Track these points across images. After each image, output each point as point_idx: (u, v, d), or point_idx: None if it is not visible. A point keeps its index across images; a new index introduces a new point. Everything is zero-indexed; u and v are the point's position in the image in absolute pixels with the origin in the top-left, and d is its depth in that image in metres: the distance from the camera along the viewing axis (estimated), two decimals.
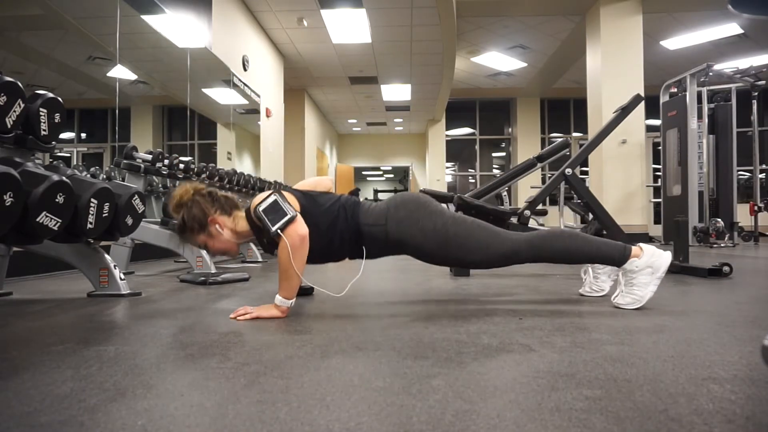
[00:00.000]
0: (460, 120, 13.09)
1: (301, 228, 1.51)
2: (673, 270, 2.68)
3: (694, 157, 5.99)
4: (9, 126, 1.66)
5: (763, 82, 6.21)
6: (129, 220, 1.99)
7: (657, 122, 7.18)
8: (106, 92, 4.13)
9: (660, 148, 6.70)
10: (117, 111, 4.06)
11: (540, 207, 4.17)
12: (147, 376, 0.93)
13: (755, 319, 1.45)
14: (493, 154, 13.68)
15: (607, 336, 1.23)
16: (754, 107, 6.49)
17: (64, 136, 4.20)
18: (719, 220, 5.77)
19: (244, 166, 6.96)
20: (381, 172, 19.68)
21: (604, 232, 3.24)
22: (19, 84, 1.67)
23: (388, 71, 9.40)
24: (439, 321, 1.46)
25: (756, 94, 6.33)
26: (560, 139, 4.32)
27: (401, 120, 13.52)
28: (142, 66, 4.90)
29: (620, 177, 7.17)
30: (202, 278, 2.44)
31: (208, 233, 1.65)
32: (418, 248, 1.65)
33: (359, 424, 0.70)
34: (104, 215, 1.80)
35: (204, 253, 2.73)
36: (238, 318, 1.49)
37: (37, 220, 1.48)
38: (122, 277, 2.06)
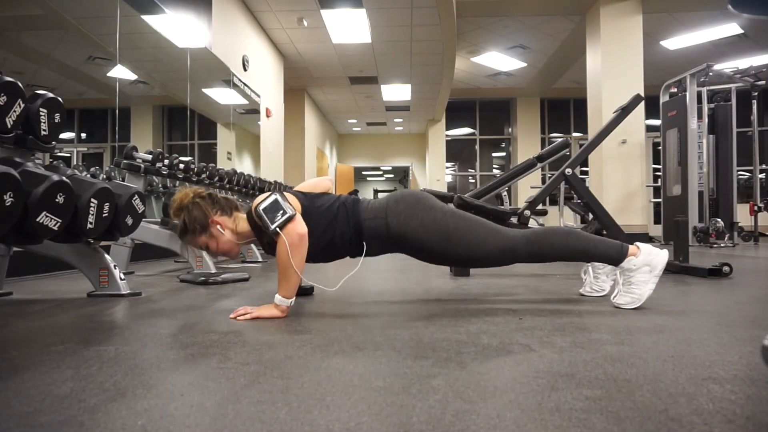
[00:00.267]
0: (460, 120, 13.09)
1: (300, 226, 1.52)
2: (673, 270, 2.68)
3: (694, 157, 5.98)
4: (9, 126, 1.66)
5: (763, 82, 6.21)
6: (129, 220, 1.99)
7: (657, 122, 7.18)
8: (106, 92, 4.13)
9: (660, 148, 6.70)
10: (117, 111, 4.06)
11: (540, 207, 4.17)
12: (147, 376, 0.93)
13: (755, 319, 1.45)
14: (493, 154, 13.68)
15: (607, 336, 1.23)
16: (754, 107, 6.49)
17: (64, 136, 4.20)
18: (719, 220, 5.77)
19: (244, 166, 6.96)
20: (381, 172, 19.68)
21: (604, 232, 3.24)
22: (19, 84, 1.67)
23: (388, 71, 9.40)
24: (439, 321, 1.46)
25: (756, 94, 6.33)
26: (560, 139, 4.32)
27: (401, 120, 13.52)
28: (142, 66, 4.90)
29: (620, 177, 7.17)
30: (202, 278, 2.44)
31: (209, 234, 1.66)
32: (418, 242, 1.65)
33: (359, 424, 0.70)
34: (104, 215, 1.80)
35: (204, 253, 2.73)
36: (238, 318, 1.49)
37: (37, 220, 1.48)
38: (122, 277, 2.06)
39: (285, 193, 1.63)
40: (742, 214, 6.57)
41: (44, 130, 1.83)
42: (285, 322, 1.46)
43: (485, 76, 10.69)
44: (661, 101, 6.59)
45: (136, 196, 2.03)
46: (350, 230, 1.66)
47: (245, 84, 6.71)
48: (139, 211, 2.05)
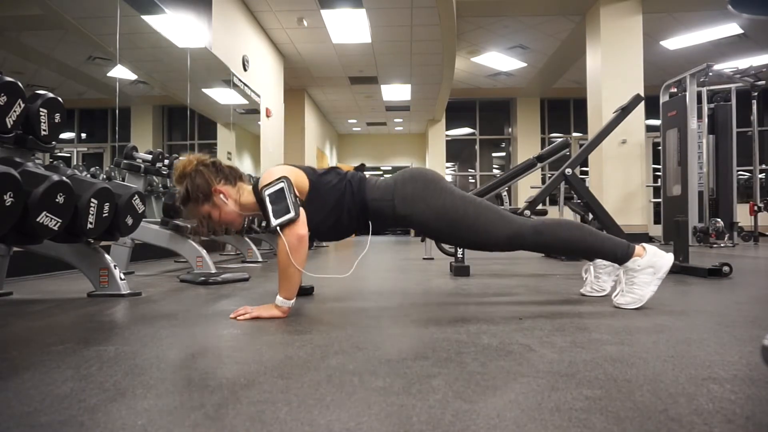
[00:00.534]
0: (460, 120, 13.09)
1: (300, 229, 1.50)
2: (673, 270, 2.67)
3: (694, 157, 5.99)
4: (9, 126, 1.66)
5: (763, 82, 6.21)
6: (129, 220, 1.99)
7: (657, 122, 7.18)
8: (106, 92, 4.13)
9: (660, 148, 6.70)
10: (117, 111, 4.06)
11: (540, 207, 4.17)
12: (147, 376, 0.93)
13: (755, 319, 1.45)
14: (493, 154, 13.68)
15: (607, 336, 1.23)
16: (754, 107, 6.49)
17: (64, 136, 4.20)
18: (719, 220, 5.77)
19: (244, 166, 6.96)
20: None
21: (604, 232, 3.23)
22: (19, 84, 1.67)
23: (388, 71, 9.40)
24: (439, 321, 1.46)
25: (756, 94, 6.33)
26: (560, 139, 4.32)
27: (401, 120, 13.52)
28: (142, 66, 4.90)
29: (620, 177, 7.17)
30: (202, 278, 2.44)
31: (212, 204, 1.63)
32: (424, 225, 1.64)
33: (359, 424, 0.70)
34: (104, 215, 1.80)
35: (204, 252, 2.73)
36: (238, 318, 1.49)
37: (37, 220, 1.48)
38: (122, 277, 2.06)
39: (293, 170, 1.60)
40: (742, 214, 6.57)
41: (44, 130, 1.83)
42: (285, 322, 1.46)
43: (485, 76, 10.70)
44: (661, 101, 6.59)
45: (136, 196, 2.03)
46: (356, 208, 1.63)
47: (245, 84, 6.71)
48: (139, 211, 2.05)
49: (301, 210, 1.52)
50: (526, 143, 12.07)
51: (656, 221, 7.80)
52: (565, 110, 12.16)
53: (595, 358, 1.02)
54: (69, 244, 1.96)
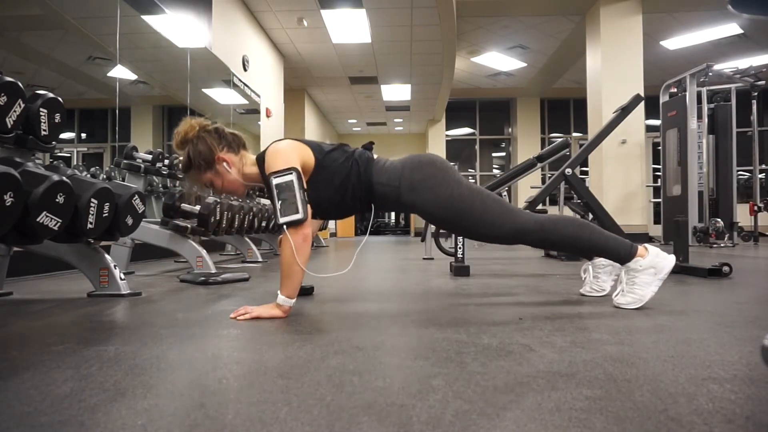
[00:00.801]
0: (460, 120, 13.09)
1: (306, 228, 1.50)
2: (673, 270, 2.67)
3: (694, 157, 5.99)
4: (9, 126, 1.66)
5: (763, 82, 6.22)
6: (129, 220, 1.99)
7: (657, 122, 7.19)
8: (106, 92, 4.13)
9: (660, 148, 6.70)
10: (117, 111, 4.06)
11: (540, 207, 4.17)
12: (147, 376, 0.93)
13: (755, 319, 1.45)
14: (493, 154, 13.68)
15: (607, 336, 1.23)
16: (754, 107, 6.49)
17: (64, 136, 4.20)
18: (719, 220, 5.77)
19: None
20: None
21: None
22: (20, 84, 1.67)
23: (388, 71, 9.40)
24: (439, 321, 1.46)
25: (756, 94, 6.33)
26: (560, 139, 4.32)
27: (401, 120, 13.52)
28: (142, 66, 4.90)
29: (620, 177, 7.17)
30: (202, 278, 2.44)
31: (215, 171, 1.61)
32: (428, 214, 1.63)
33: (359, 424, 0.70)
34: (104, 215, 1.80)
35: (204, 252, 2.73)
36: (238, 318, 1.48)
37: (38, 220, 1.48)
38: (122, 277, 2.06)
39: (301, 147, 1.57)
40: (742, 214, 6.57)
41: (44, 130, 1.84)
42: (285, 322, 1.46)
43: (485, 76, 10.70)
44: (661, 101, 6.60)
45: (136, 196, 2.03)
46: (361, 189, 1.61)
47: (245, 84, 6.71)
48: (139, 211, 2.05)
49: (308, 207, 1.50)
50: (526, 143, 12.07)
51: (656, 221, 7.80)
52: (565, 110, 12.16)
53: (595, 358, 1.02)
54: (69, 244, 1.96)
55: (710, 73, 5.93)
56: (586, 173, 8.05)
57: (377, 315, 1.59)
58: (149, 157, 3.08)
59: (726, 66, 6.38)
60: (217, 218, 2.94)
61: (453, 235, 3.04)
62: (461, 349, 1.11)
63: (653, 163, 10.06)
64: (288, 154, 1.53)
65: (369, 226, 1.73)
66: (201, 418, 0.72)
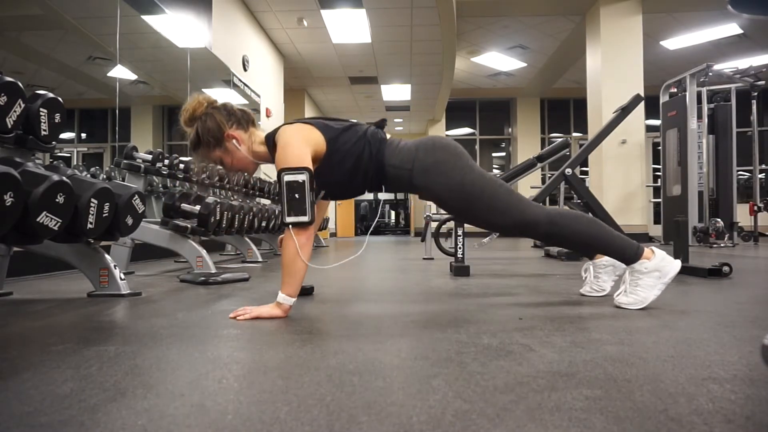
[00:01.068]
0: (460, 120, 13.09)
1: (311, 230, 1.51)
2: None
3: (694, 157, 5.99)
4: (9, 126, 1.66)
5: (763, 82, 6.22)
6: (129, 220, 1.99)
7: (657, 122, 7.19)
8: (106, 92, 4.13)
9: (660, 148, 6.70)
10: (117, 111, 4.06)
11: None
12: (147, 376, 0.93)
13: (755, 319, 1.45)
14: (493, 154, 13.68)
15: (607, 336, 1.23)
16: (754, 107, 6.49)
17: (64, 136, 4.20)
18: (719, 220, 5.77)
19: None
20: None
21: None
22: (20, 84, 1.67)
23: (388, 71, 9.40)
24: (439, 321, 1.46)
25: (756, 94, 6.33)
26: (560, 139, 4.32)
27: (401, 120, 13.52)
28: (142, 66, 4.90)
29: (620, 177, 7.17)
30: (202, 278, 2.44)
31: (224, 149, 1.59)
32: (438, 197, 1.62)
33: (359, 424, 0.70)
34: (104, 215, 1.80)
35: (204, 252, 2.73)
36: (238, 318, 1.48)
37: (38, 220, 1.48)
38: (122, 277, 2.06)
39: (312, 133, 1.55)
40: (742, 214, 6.57)
41: (44, 130, 1.84)
42: (285, 322, 1.46)
43: (485, 76, 10.70)
44: (661, 101, 6.60)
45: (136, 196, 2.03)
46: (372, 170, 1.59)
47: (245, 84, 6.71)
48: (139, 211, 2.05)
49: (315, 209, 1.51)
50: (526, 143, 12.07)
51: (656, 221, 7.80)
52: (565, 110, 12.16)
53: (595, 358, 1.02)
54: (69, 244, 1.96)
55: (710, 73, 5.93)
56: (586, 173, 8.05)
57: (377, 315, 1.59)
58: (149, 157, 3.08)
59: (726, 66, 6.38)
60: (217, 218, 2.94)
61: (453, 236, 3.04)
62: (461, 349, 1.11)
63: (653, 163, 10.06)
64: (301, 149, 1.50)
65: (371, 227, 1.73)
66: (201, 418, 0.72)
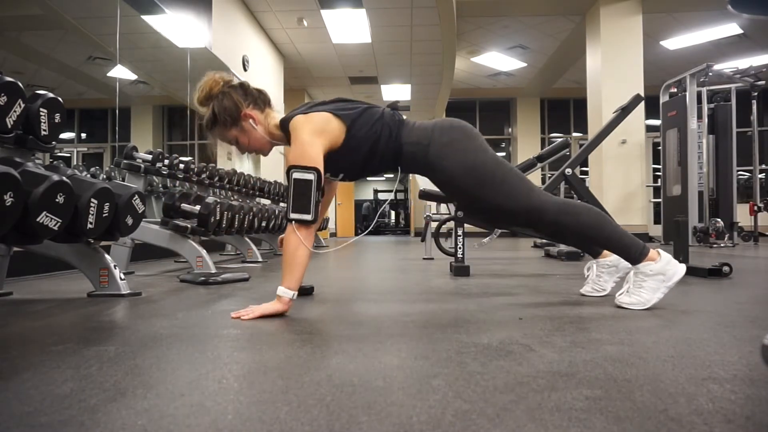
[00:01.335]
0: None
1: (312, 228, 1.52)
2: None
3: (694, 157, 5.99)
4: (9, 126, 1.66)
5: (763, 82, 6.22)
6: (129, 220, 1.99)
7: (657, 122, 7.19)
8: (106, 92, 4.13)
9: (660, 148, 6.70)
10: (117, 111, 4.06)
11: None
12: (147, 376, 0.93)
13: (755, 319, 1.45)
14: None
15: (607, 336, 1.23)
16: (754, 107, 6.49)
17: (64, 136, 4.20)
18: (719, 220, 5.77)
19: (244, 166, 6.95)
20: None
21: None
22: (19, 84, 1.67)
23: (388, 71, 9.40)
24: (439, 321, 1.46)
25: (756, 94, 6.33)
26: (560, 139, 4.31)
27: None
28: (142, 66, 4.90)
29: (620, 177, 7.17)
30: (202, 278, 2.44)
31: (240, 128, 1.60)
32: (449, 179, 1.62)
33: (359, 424, 0.70)
34: (104, 215, 1.80)
35: (204, 252, 2.73)
36: (242, 318, 1.47)
37: (38, 220, 1.48)
38: (122, 277, 2.06)
39: (332, 123, 1.54)
40: (742, 214, 6.57)
41: (44, 130, 1.84)
42: (285, 322, 1.46)
43: (485, 76, 10.70)
44: (661, 101, 6.60)
45: (136, 196, 2.03)
46: (390, 153, 1.61)
47: None
48: (139, 211, 2.05)
49: (319, 208, 1.52)
50: (526, 143, 12.07)
51: (656, 221, 7.80)
52: (565, 110, 12.16)
53: (595, 358, 1.02)
54: (69, 244, 1.96)
55: (710, 73, 5.93)
56: (586, 173, 8.05)
57: (377, 315, 1.59)
58: (149, 157, 3.08)
59: (726, 66, 6.38)
60: (217, 218, 2.94)
61: (453, 236, 3.04)
62: (461, 349, 1.11)
63: (653, 163, 10.06)
64: (314, 147, 1.50)
65: (371, 225, 1.74)
66: (201, 418, 0.72)
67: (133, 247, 2.95)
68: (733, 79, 6.15)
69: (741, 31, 8.19)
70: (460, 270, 2.80)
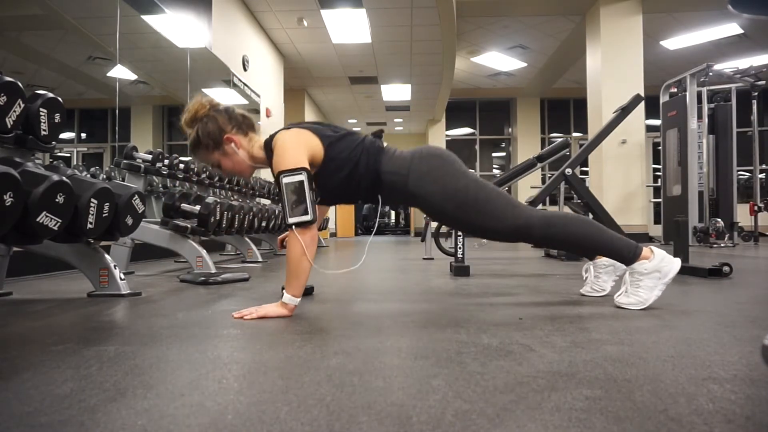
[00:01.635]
0: (460, 120, 13.09)
1: (314, 229, 1.52)
2: None
3: (694, 157, 5.99)
4: (9, 126, 1.66)
5: (763, 82, 6.22)
6: (129, 220, 1.99)
7: (657, 122, 7.19)
8: (106, 92, 4.13)
9: (660, 148, 6.70)
10: (117, 111, 4.06)
11: (540, 207, 4.17)
12: (147, 376, 0.93)
13: (755, 319, 1.45)
14: (493, 154, 13.68)
15: (607, 336, 1.23)
16: (754, 107, 6.49)
17: (64, 136, 4.20)
18: (719, 220, 5.77)
19: None
20: None
21: None
22: (19, 84, 1.67)
23: (388, 71, 9.40)
24: (439, 321, 1.46)
25: (756, 94, 6.33)
26: (560, 139, 4.32)
27: (401, 120, 13.52)
28: (142, 66, 4.90)
29: (620, 177, 7.17)
30: (202, 278, 2.44)
31: (222, 152, 1.62)
32: (433, 206, 1.62)
33: (359, 424, 0.70)
34: (104, 215, 1.80)
35: (204, 252, 2.73)
36: (245, 317, 1.48)
37: (37, 220, 1.48)
38: (122, 277, 2.06)
39: (310, 138, 1.55)
40: (742, 214, 6.57)
41: (44, 130, 1.83)
42: (286, 322, 1.46)
43: (485, 76, 10.70)
44: (661, 101, 6.60)
45: (136, 196, 2.03)
46: (368, 179, 1.61)
47: (245, 84, 6.71)
48: (139, 211, 2.05)
49: (316, 208, 1.52)
50: (526, 143, 12.07)
51: (656, 221, 7.80)
52: (565, 110, 12.17)
53: (595, 358, 1.02)
54: (69, 244, 1.96)
55: (710, 73, 5.93)
56: (586, 173, 8.05)
57: (377, 315, 1.59)
58: (149, 157, 3.07)
59: (726, 66, 6.38)
60: (217, 218, 2.94)
61: (453, 236, 3.04)
62: (461, 349, 1.11)
63: (653, 163, 10.07)
64: (297, 152, 1.52)
65: (374, 226, 1.74)
66: (201, 418, 0.72)
67: (133, 247, 2.95)
68: (734, 79, 6.15)
69: (741, 31, 8.19)
70: (460, 270, 2.80)
